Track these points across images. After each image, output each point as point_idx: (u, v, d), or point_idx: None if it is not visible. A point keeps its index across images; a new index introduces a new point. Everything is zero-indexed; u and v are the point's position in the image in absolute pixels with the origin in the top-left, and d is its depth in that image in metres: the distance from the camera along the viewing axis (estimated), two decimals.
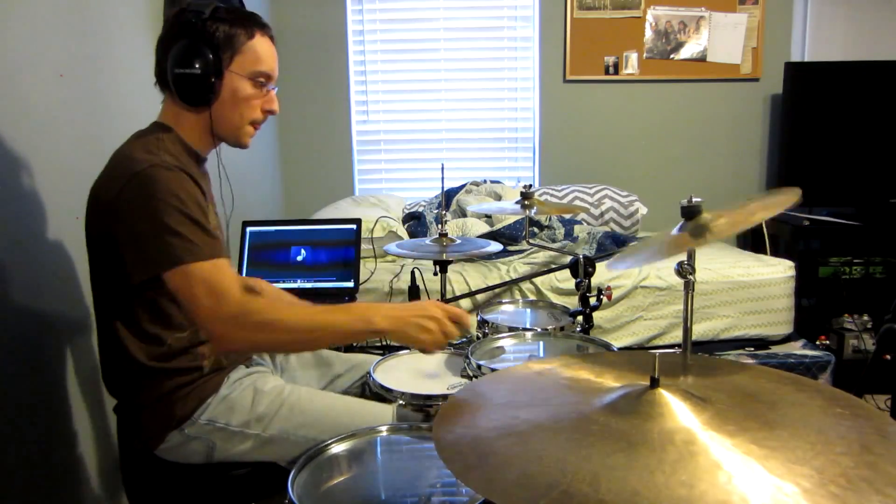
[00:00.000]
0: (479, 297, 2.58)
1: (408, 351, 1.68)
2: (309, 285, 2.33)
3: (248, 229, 2.37)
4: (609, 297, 1.77)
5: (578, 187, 3.45)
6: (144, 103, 1.94)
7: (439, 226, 2.13)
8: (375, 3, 3.66)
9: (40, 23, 1.56)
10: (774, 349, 2.74)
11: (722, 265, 2.77)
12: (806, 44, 3.66)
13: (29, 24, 1.51)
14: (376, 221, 2.79)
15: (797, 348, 2.75)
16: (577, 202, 3.36)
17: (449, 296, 2.39)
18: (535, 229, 3.13)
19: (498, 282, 2.58)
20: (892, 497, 0.57)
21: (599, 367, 0.92)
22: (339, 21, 3.64)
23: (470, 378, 1.39)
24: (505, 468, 0.67)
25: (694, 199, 1.11)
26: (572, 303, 1.84)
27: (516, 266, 2.77)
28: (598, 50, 3.63)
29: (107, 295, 1.27)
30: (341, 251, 2.34)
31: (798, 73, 3.40)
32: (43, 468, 1.49)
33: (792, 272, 2.77)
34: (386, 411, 1.36)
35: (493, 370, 1.37)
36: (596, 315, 1.78)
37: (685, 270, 1.10)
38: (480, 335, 1.80)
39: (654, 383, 0.76)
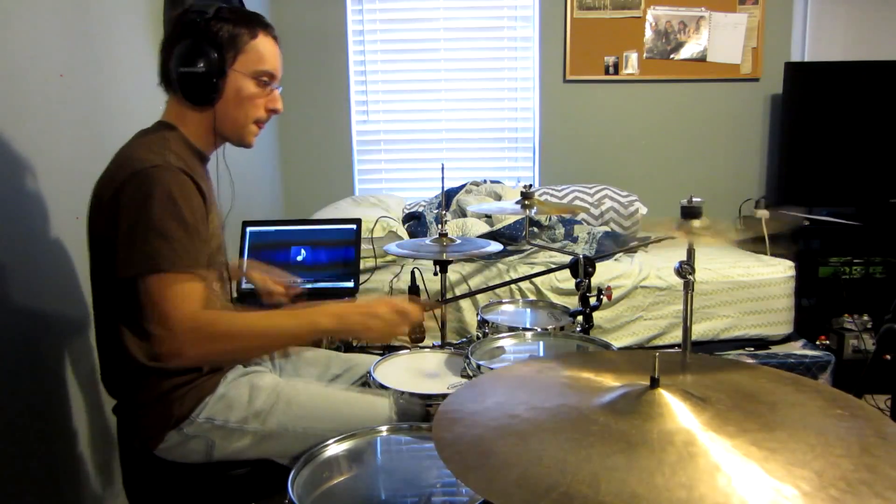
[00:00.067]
0: (479, 297, 2.58)
1: (408, 351, 1.68)
2: (309, 285, 2.33)
3: (248, 229, 2.37)
4: (609, 297, 1.77)
5: (578, 187, 3.45)
6: (144, 103, 1.94)
7: (439, 226, 2.13)
8: (375, 3, 3.66)
9: (41, 23, 1.56)
10: (774, 349, 2.74)
11: (722, 265, 2.77)
12: (806, 44, 3.66)
13: (29, 25, 1.51)
14: (376, 221, 2.79)
15: (797, 348, 2.75)
16: (577, 202, 3.36)
17: (449, 296, 2.39)
18: (535, 229, 3.13)
19: (498, 282, 2.58)
20: (891, 500, 0.57)
21: (599, 366, 0.92)
22: (339, 21, 3.64)
23: (470, 378, 1.39)
24: (505, 468, 0.67)
25: (694, 199, 1.11)
26: (572, 303, 1.84)
27: (516, 266, 2.77)
28: (598, 50, 3.63)
29: (107, 294, 1.27)
30: (341, 251, 2.34)
31: (798, 73, 3.40)
32: (43, 468, 1.49)
33: (792, 272, 2.78)
34: (383, 402, 1.37)
35: (493, 370, 1.37)
36: (596, 315, 1.78)
37: (685, 270, 1.10)
38: (480, 335, 1.80)
39: (654, 383, 0.76)
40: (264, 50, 1.32)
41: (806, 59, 3.65)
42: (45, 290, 1.53)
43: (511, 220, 3.01)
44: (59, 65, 1.63)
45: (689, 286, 1.10)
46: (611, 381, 0.85)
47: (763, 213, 3.57)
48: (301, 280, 1.79)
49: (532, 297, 2.64)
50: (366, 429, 1.20)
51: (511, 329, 1.70)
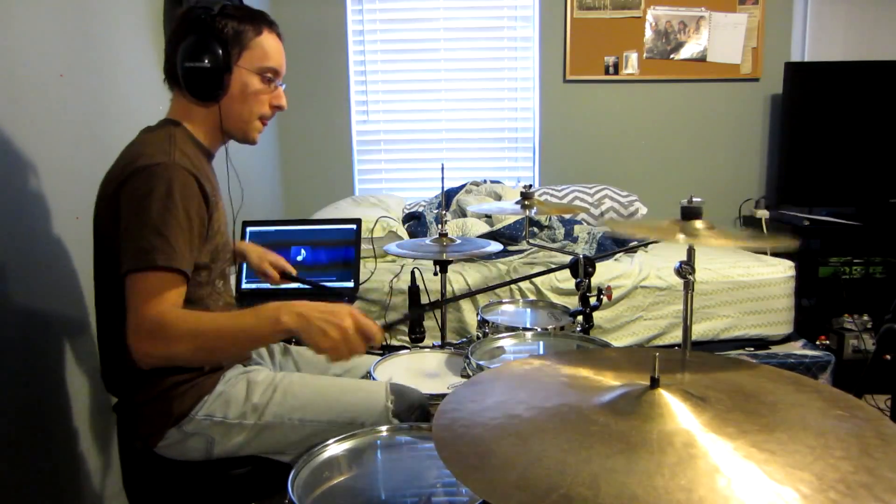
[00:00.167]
0: (479, 297, 2.58)
1: (408, 351, 1.68)
2: (308, 286, 2.32)
3: (248, 229, 2.37)
4: (609, 297, 1.77)
5: (578, 187, 3.45)
6: (145, 103, 1.95)
7: (439, 226, 2.13)
8: (375, 3, 3.66)
9: (41, 23, 1.56)
10: (774, 349, 2.74)
11: (722, 265, 2.77)
12: (806, 44, 3.66)
13: (29, 25, 1.51)
14: (376, 221, 2.79)
15: (797, 348, 2.75)
16: (577, 202, 3.36)
17: (449, 296, 2.39)
18: (535, 229, 3.13)
19: (498, 282, 2.58)
20: None
21: (599, 365, 0.92)
22: (339, 21, 3.64)
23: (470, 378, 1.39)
24: (505, 469, 0.67)
25: (694, 200, 1.11)
26: (572, 303, 1.84)
27: (516, 266, 2.77)
28: (598, 50, 3.63)
29: (108, 291, 1.27)
30: (341, 251, 2.34)
31: (798, 73, 3.40)
32: (43, 467, 1.49)
33: (792, 272, 2.78)
34: (379, 388, 1.37)
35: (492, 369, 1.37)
36: (596, 315, 1.78)
37: (685, 270, 1.10)
38: (480, 335, 1.80)
39: (654, 383, 0.76)
40: (269, 47, 1.33)
41: (806, 59, 3.64)
42: (45, 289, 1.53)
43: (511, 220, 3.01)
44: (59, 65, 1.62)
45: (689, 286, 1.10)
46: (611, 381, 0.85)
47: (763, 213, 3.57)
48: (297, 272, 1.79)
49: (532, 297, 2.64)
50: (366, 429, 1.20)
51: (511, 329, 1.70)
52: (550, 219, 3.14)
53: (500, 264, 2.78)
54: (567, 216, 3.17)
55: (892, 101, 3.35)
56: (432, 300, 1.84)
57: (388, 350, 1.75)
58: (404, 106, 3.77)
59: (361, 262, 2.39)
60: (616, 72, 3.65)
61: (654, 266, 2.76)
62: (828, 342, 3.04)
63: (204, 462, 1.30)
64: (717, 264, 2.77)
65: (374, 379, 1.45)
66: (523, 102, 3.78)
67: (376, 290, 2.65)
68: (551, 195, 3.42)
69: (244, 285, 2.30)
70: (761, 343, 2.76)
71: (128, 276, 1.13)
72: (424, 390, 1.40)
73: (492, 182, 3.48)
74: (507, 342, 1.62)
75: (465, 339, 2.48)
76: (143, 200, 1.15)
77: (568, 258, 1.79)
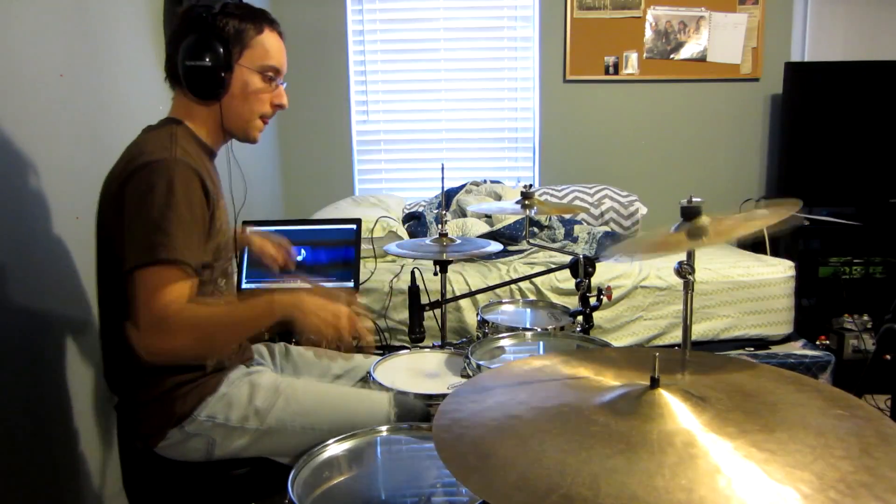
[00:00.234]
0: (479, 297, 2.58)
1: (408, 351, 1.68)
2: (309, 285, 2.32)
3: (248, 229, 2.37)
4: (609, 297, 1.77)
5: (578, 187, 3.45)
6: (145, 103, 1.95)
7: (439, 226, 2.13)
8: (375, 3, 3.66)
9: (41, 23, 1.56)
10: (774, 349, 2.74)
11: (722, 265, 2.77)
12: (806, 44, 3.66)
13: (29, 25, 1.51)
14: (376, 221, 2.79)
15: (797, 348, 2.75)
16: (577, 202, 3.36)
17: (449, 296, 2.39)
18: (535, 229, 3.13)
19: (498, 282, 2.58)
20: (890, 503, 0.57)
21: (599, 365, 0.92)
22: (339, 21, 3.64)
23: (470, 378, 1.39)
24: (505, 470, 0.67)
25: (694, 199, 1.11)
26: (572, 303, 1.84)
27: (516, 266, 2.77)
28: (598, 50, 3.63)
29: (112, 290, 1.27)
30: (341, 251, 2.34)
31: (798, 73, 3.40)
32: (43, 467, 1.49)
33: (792, 272, 2.77)
34: (382, 398, 1.37)
35: (492, 369, 1.37)
36: (596, 315, 1.78)
37: (685, 270, 1.10)
38: (480, 335, 1.80)
39: (654, 383, 0.76)
40: (270, 45, 1.33)
41: (806, 59, 3.65)
42: (45, 289, 1.53)
43: (511, 220, 3.01)
44: (59, 65, 1.62)
45: (689, 286, 1.10)
46: (611, 381, 0.85)
47: (763, 213, 3.56)
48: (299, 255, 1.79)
49: (532, 297, 2.64)
50: (366, 429, 1.20)
51: (511, 329, 1.70)
52: (550, 219, 3.14)
53: (500, 264, 2.78)
54: (567, 216, 3.17)
55: (892, 101, 3.35)
56: (432, 300, 1.84)
57: (387, 350, 1.75)
58: (404, 106, 3.77)
59: (361, 262, 2.39)
60: (616, 72, 3.65)
61: (653, 266, 2.76)
62: (828, 342, 3.04)
63: (204, 462, 1.30)
64: (717, 264, 2.77)
65: (373, 379, 1.45)
66: (523, 102, 3.78)
67: (376, 290, 2.65)
68: (551, 195, 3.42)
69: (244, 285, 2.29)
70: (761, 343, 2.76)
71: (134, 273, 1.13)
72: (424, 390, 1.40)
73: (492, 182, 3.48)
74: (507, 342, 1.62)
75: (465, 339, 2.48)
76: (145, 197, 1.15)
77: (568, 258, 1.79)
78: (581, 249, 2.90)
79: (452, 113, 3.78)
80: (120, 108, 1.89)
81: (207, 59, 1.26)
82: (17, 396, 1.42)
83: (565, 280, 2.65)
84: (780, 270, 2.77)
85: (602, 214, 3.31)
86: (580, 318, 1.74)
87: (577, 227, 3.13)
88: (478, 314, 1.93)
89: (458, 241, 2.07)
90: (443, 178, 2.17)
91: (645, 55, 3.63)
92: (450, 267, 2.21)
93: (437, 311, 2.23)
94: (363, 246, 2.45)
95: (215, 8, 1.28)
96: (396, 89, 3.75)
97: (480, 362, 1.42)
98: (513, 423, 0.77)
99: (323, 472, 1.08)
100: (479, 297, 2.58)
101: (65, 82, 1.64)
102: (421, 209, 3.28)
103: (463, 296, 2.28)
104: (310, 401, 1.35)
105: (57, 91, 1.61)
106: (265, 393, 1.33)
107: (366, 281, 2.58)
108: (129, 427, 1.32)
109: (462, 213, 3.23)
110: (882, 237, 3.18)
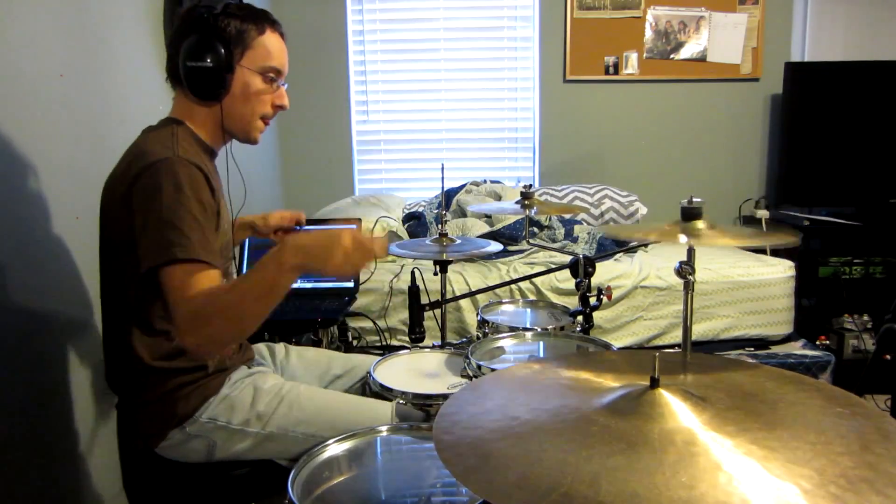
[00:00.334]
0: (479, 297, 2.58)
1: (408, 351, 1.68)
2: (309, 285, 2.33)
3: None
4: (609, 297, 1.77)
5: (578, 187, 3.45)
6: (145, 103, 1.95)
7: (439, 226, 2.12)
8: (375, 3, 3.66)
9: (41, 23, 1.56)
10: (774, 349, 2.74)
11: (722, 265, 2.77)
12: (806, 44, 3.66)
13: (29, 25, 1.51)
14: (376, 221, 2.79)
15: (797, 348, 2.75)
16: (577, 202, 3.36)
17: (449, 296, 2.39)
18: (535, 229, 3.13)
19: (498, 282, 2.58)
20: (892, 498, 0.57)
21: (599, 366, 0.92)
22: (339, 21, 3.64)
23: (470, 378, 1.39)
24: (505, 469, 0.67)
25: (694, 200, 1.11)
26: (572, 303, 1.84)
27: (516, 266, 2.77)
28: (598, 50, 3.63)
29: (116, 291, 1.27)
30: None
31: (798, 73, 3.40)
32: (43, 467, 1.49)
33: (792, 272, 2.78)
34: (385, 408, 1.36)
35: (493, 370, 1.37)
36: (596, 315, 1.78)
37: (685, 270, 1.10)
38: (480, 335, 1.80)
39: (655, 383, 0.76)
40: (271, 46, 1.33)
41: (806, 59, 3.65)
42: (45, 289, 1.53)
43: (511, 220, 3.01)
44: (59, 65, 1.63)
45: (689, 286, 1.10)
46: (611, 382, 0.85)
47: (763, 213, 3.57)
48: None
49: (532, 297, 2.64)
50: (365, 428, 1.20)
51: (511, 329, 1.70)
52: (550, 219, 3.14)
53: (500, 264, 2.78)
54: (567, 216, 3.17)
55: (892, 101, 3.35)
56: (432, 300, 1.84)
57: (387, 350, 1.75)
58: (404, 106, 3.77)
59: None
60: (616, 72, 3.65)
61: (654, 266, 2.76)
62: (828, 342, 3.04)
63: (204, 463, 1.30)
64: (717, 264, 2.77)
65: (373, 378, 1.45)
66: (523, 102, 3.78)
67: (376, 290, 2.65)
68: (551, 195, 3.42)
69: None
70: (761, 343, 2.76)
71: (157, 273, 1.12)
72: (424, 390, 1.40)
73: (492, 182, 3.49)
74: (507, 342, 1.62)
75: (465, 339, 2.48)
76: (153, 197, 1.15)
77: (568, 258, 1.79)
78: (581, 249, 2.90)
79: (452, 113, 3.78)
80: (120, 108, 1.89)
81: (209, 60, 1.25)
82: (17, 396, 1.42)
83: (565, 280, 2.65)
84: (780, 270, 2.77)
85: (602, 214, 3.31)
86: (580, 318, 1.74)
87: (577, 227, 3.13)
88: (478, 314, 1.92)
89: (458, 241, 2.07)
90: (443, 178, 2.16)
91: (645, 55, 3.64)
92: (450, 267, 2.21)
93: (437, 311, 2.22)
94: None
95: (217, 8, 1.27)
96: (396, 89, 3.76)
97: (480, 362, 1.42)
98: (513, 424, 0.77)
99: (323, 472, 1.08)
100: (479, 297, 2.58)
101: (65, 82, 1.64)
102: (421, 209, 3.28)
103: (463, 296, 2.27)
104: (312, 408, 1.34)
105: (57, 91, 1.61)
106: (268, 397, 1.33)
107: (366, 281, 2.58)
108: (129, 427, 1.32)
109: (462, 213, 3.23)
110: (882, 237, 3.18)
